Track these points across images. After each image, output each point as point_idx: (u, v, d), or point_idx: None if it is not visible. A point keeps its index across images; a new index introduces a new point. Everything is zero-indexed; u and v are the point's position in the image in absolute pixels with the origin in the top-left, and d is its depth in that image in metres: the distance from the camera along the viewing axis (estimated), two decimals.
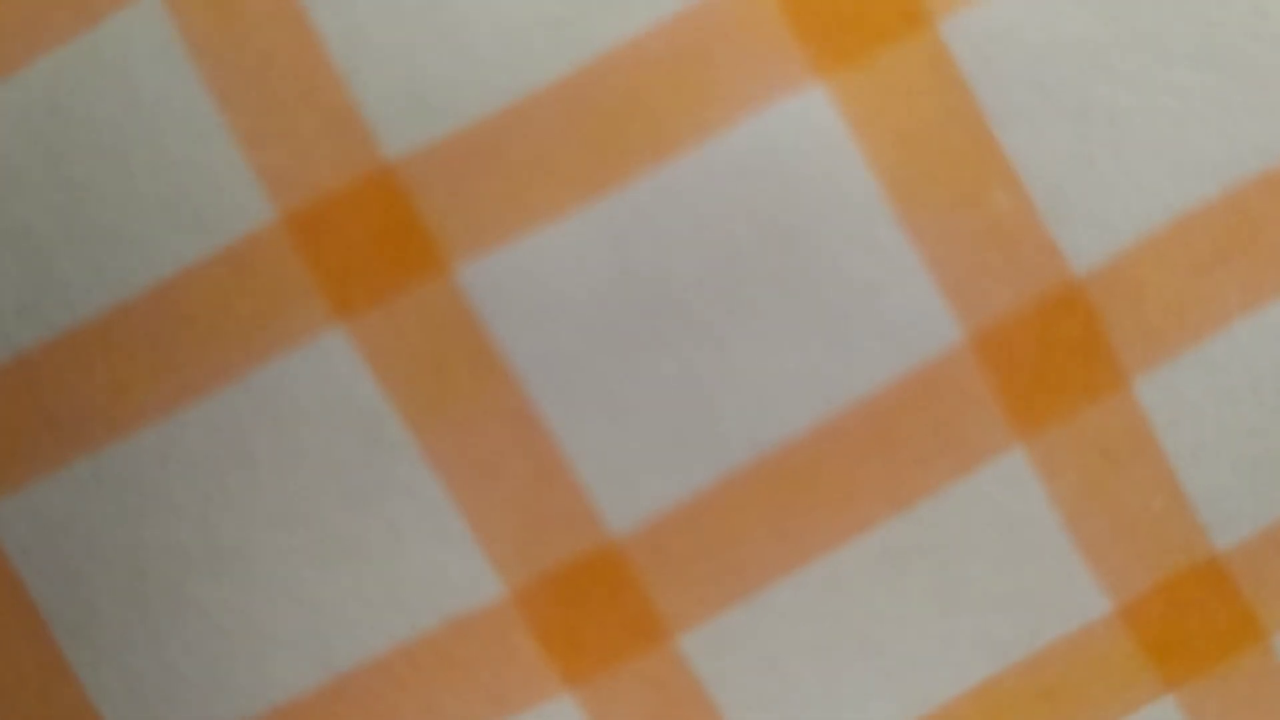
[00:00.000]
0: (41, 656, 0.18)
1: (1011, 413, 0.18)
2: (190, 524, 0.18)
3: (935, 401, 0.18)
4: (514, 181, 0.17)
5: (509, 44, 0.17)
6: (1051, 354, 0.18)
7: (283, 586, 0.18)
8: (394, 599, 0.18)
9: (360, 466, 0.18)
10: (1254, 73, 0.18)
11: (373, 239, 0.17)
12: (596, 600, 0.18)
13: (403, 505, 0.18)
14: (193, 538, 0.18)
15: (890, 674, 0.18)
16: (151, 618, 0.18)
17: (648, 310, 0.18)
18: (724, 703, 0.18)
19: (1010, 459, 0.18)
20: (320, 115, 0.17)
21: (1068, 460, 0.18)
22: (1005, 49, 0.18)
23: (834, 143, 0.18)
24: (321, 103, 0.17)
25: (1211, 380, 0.18)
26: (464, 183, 0.17)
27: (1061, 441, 0.18)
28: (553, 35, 0.17)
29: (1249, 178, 0.18)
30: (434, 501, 0.18)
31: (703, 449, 0.18)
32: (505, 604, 0.18)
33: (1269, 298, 0.18)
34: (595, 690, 0.18)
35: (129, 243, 0.17)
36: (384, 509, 0.18)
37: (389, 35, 0.17)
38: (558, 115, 0.17)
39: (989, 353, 0.18)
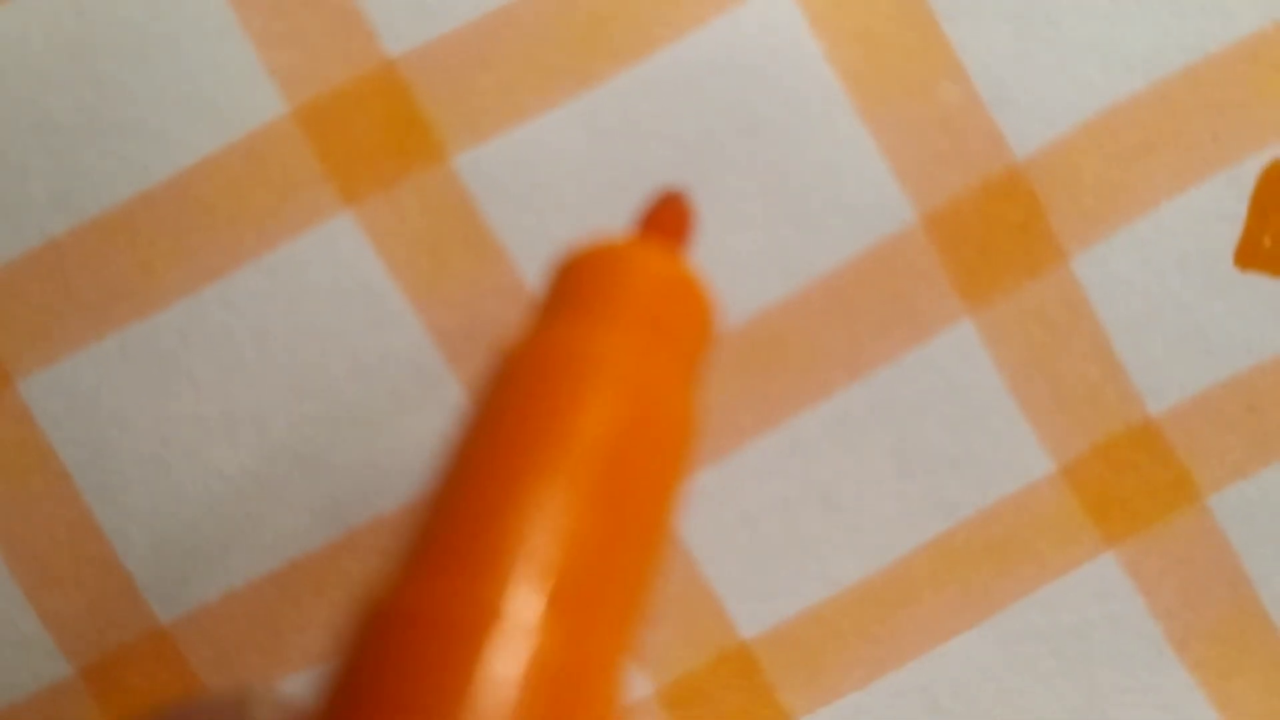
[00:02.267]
0: (73, 519, 0.19)
1: (960, 287, 0.20)
2: (210, 395, 0.19)
3: (891, 277, 0.20)
4: (505, 77, 0.19)
5: None
6: (996, 233, 0.20)
7: (296, 452, 0.19)
8: (399, 463, 0.20)
9: (366, 340, 0.19)
10: None
11: (377, 130, 0.19)
12: None
13: (405, 375, 0.19)
14: (212, 408, 0.19)
15: (851, 530, 0.20)
16: (175, 482, 0.19)
17: (627, 195, 0.19)
18: (702, 554, 0.20)
19: (960, 329, 0.20)
20: (327, 16, 0.19)
21: (1012, 331, 0.20)
22: None
23: (797, 40, 0.19)
24: (328, 4, 0.19)
25: (1142, 257, 0.20)
26: (460, 78, 0.19)
27: (1006, 314, 0.20)
28: None
29: (1174, 73, 0.20)
30: (434, 371, 0.19)
31: None
32: None
33: (1192, 182, 0.20)
34: None
35: (152, 136, 0.19)
36: (388, 379, 0.19)
37: None
38: (546, 16, 0.19)
39: (939, 232, 0.20)
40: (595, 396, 0.13)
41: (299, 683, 0.20)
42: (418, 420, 0.19)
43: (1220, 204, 0.20)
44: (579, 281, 0.14)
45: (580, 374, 0.13)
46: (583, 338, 0.13)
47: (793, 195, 0.19)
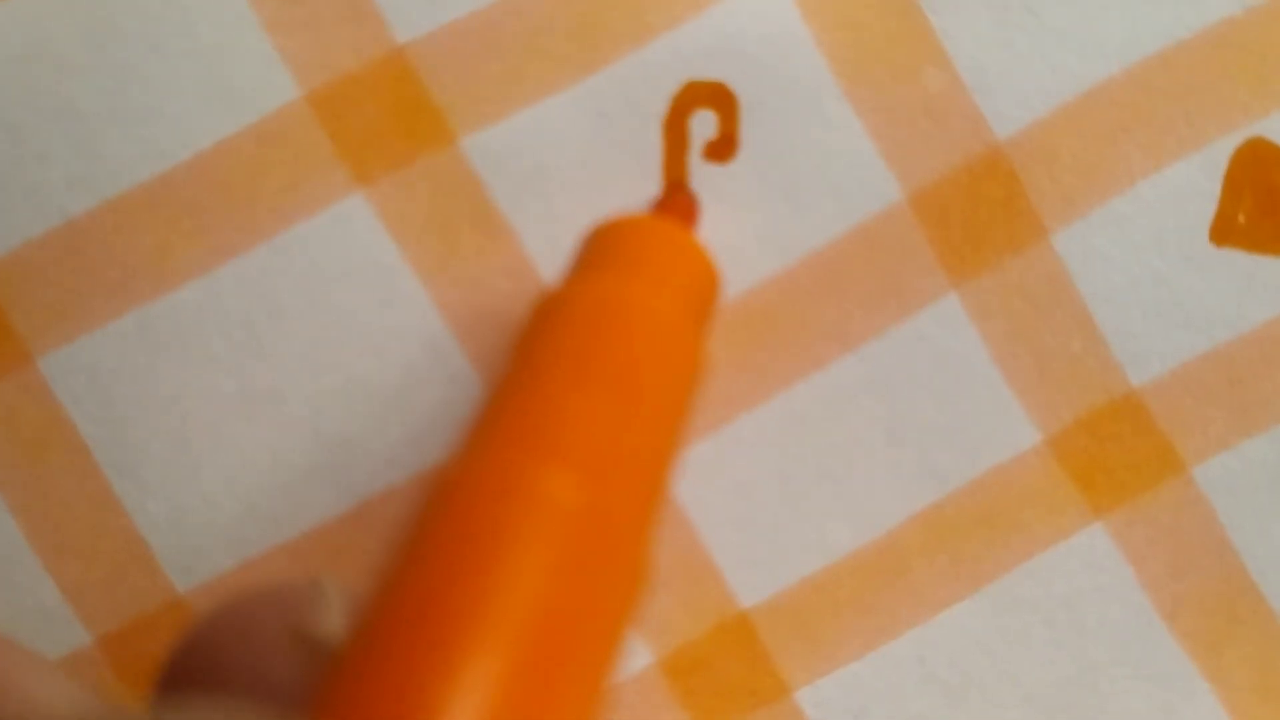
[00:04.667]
0: (93, 493, 0.20)
1: (946, 263, 0.21)
2: (227, 371, 0.20)
3: (879, 253, 0.20)
4: (510, 64, 0.20)
5: None
6: (979, 211, 0.20)
7: (311, 426, 0.20)
8: (410, 435, 0.20)
9: (378, 317, 0.20)
10: None
11: (387, 114, 0.20)
12: None
13: (416, 351, 0.20)
14: (229, 383, 0.20)
15: (845, 499, 0.21)
16: (193, 456, 0.20)
17: (626, 175, 0.20)
18: (702, 524, 0.21)
19: (946, 303, 0.21)
20: (339, 4, 0.20)
21: (996, 305, 0.21)
22: None
23: (788, 27, 0.20)
24: None
25: (1120, 233, 0.21)
26: (467, 65, 0.20)
27: (990, 288, 0.21)
28: None
29: (1147, 58, 0.21)
30: (444, 346, 0.20)
31: None
32: None
33: (1167, 162, 0.21)
34: None
35: (169, 120, 0.20)
36: (400, 355, 0.20)
37: None
38: (548, 5, 0.20)
39: (925, 210, 0.20)
40: (622, 332, 0.16)
41: None
42: (427, 394, 0.20)
43: (1194, 183, 0.21)
44: (605, 246, 0.18)
45: (609, 315, 0.16)
46: (610, 287, 0.16)
47: (784, 175, 0.20)
